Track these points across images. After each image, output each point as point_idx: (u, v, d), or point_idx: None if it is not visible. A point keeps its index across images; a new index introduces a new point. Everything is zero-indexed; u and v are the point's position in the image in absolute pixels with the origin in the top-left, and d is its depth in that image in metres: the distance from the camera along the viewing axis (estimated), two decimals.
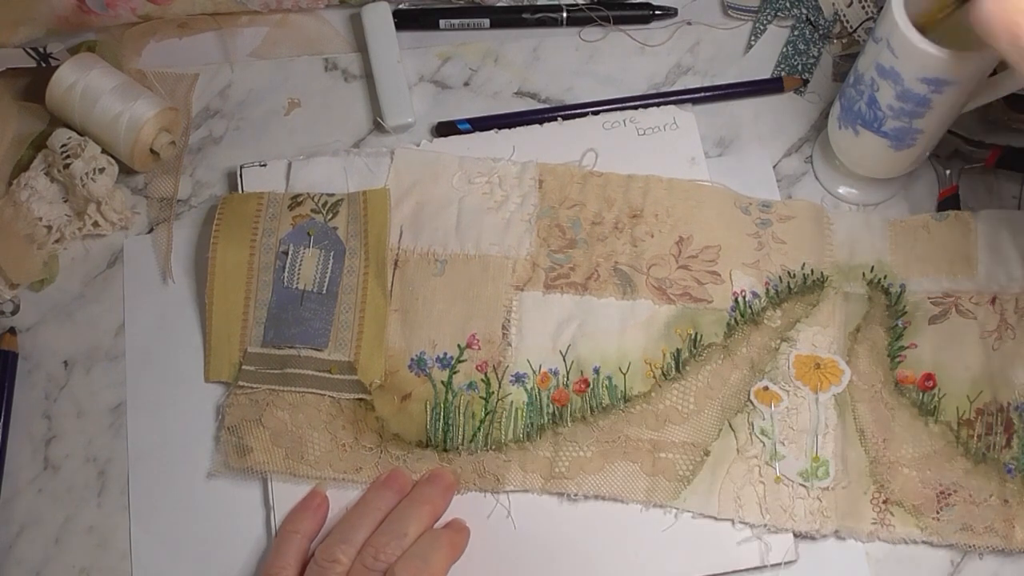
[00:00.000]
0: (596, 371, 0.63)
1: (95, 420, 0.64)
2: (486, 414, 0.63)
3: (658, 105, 0.72)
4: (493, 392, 0.63)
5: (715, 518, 0.60)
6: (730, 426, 0.62)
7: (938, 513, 0.61)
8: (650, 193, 0.68)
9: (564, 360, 0.64)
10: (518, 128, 0.71)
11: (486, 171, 0.68)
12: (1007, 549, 0.60)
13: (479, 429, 0.63)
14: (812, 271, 0.66)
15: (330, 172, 0.68)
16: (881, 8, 0.62)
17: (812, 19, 0.75)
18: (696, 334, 0.64)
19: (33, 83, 0.70)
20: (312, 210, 0.66)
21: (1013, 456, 0.62)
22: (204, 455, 0.63)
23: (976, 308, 0.65)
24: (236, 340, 0.64)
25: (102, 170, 0.67)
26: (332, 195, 0.67)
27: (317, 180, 0.68)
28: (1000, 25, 0.46)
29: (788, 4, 0.75)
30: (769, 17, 0.76)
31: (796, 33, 0.75)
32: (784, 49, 0.75)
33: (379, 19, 0.74)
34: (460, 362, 0.64)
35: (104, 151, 0.67)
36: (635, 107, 0.72)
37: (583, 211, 0.67)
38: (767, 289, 0.66)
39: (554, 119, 0.71)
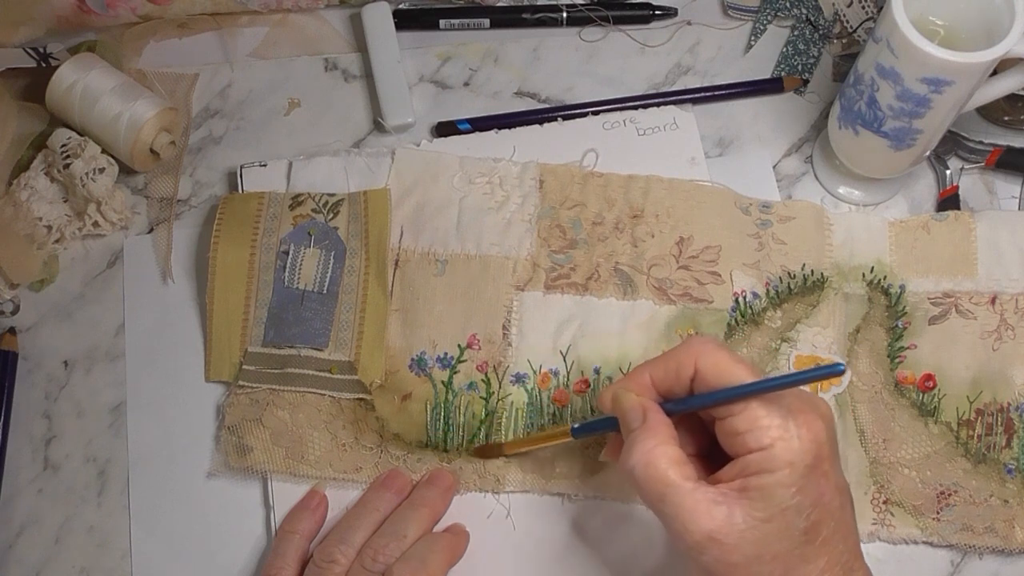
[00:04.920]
0: (597, 371, 0.63)
1: (95, 420, 0.64)
2: (486, 414, 0.63)
3: (658, 105, 0.72)
4: (493, 392, 0.63)
5: None
6: None
7: (938, 513, 0.61)
8: (651, 193, 0.68)
9: (564, 360, 0.64)
10: (518, 128, 0.71)
11: (487, 171, 0.68)
12: (1007, 549, 0.60)
13: (479, 429, 0.63)
14: (812, 272, 0.66)
15: (331, 172, 0.68)
16: (881, 8, 0.62)
17: (812, 19, 0.75)
18: (697, 334, 0.64)
19: (33, 83, 0.70)
20: (313, 210, 0.66)
21: (1013, 456, 0.62)
22: (204, 455, 0.63)
23: (976, 308, 0.65)
24: (236, 340, 0.64)
25: (102, 170, 0.67)
26: (333, 195, 0.67)
27: (318, 180, 0.68)
28: (646, 486, 0.48)
29: (788, 4, 0.75)
30: (769, 17, 0.76)
31: (796, 33, 0.75)
32: (784, 49, 0.75)
33: (379, 19, 0.74)
34: (460, 362, 0.64)
35: (104, 151, 0.67)
36: (635, 107, 0.72)
37: (584, 211, 0.67)
38: (767, 290, 0.66)
39: (554, 119, 0.71)
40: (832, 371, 0.46)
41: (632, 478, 0.49)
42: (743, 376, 0.48)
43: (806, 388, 0.51)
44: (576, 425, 0.56)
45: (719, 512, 0.46)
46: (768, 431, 0.47)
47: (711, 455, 0.50)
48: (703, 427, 0.52)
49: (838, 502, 0.48)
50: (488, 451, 0.61)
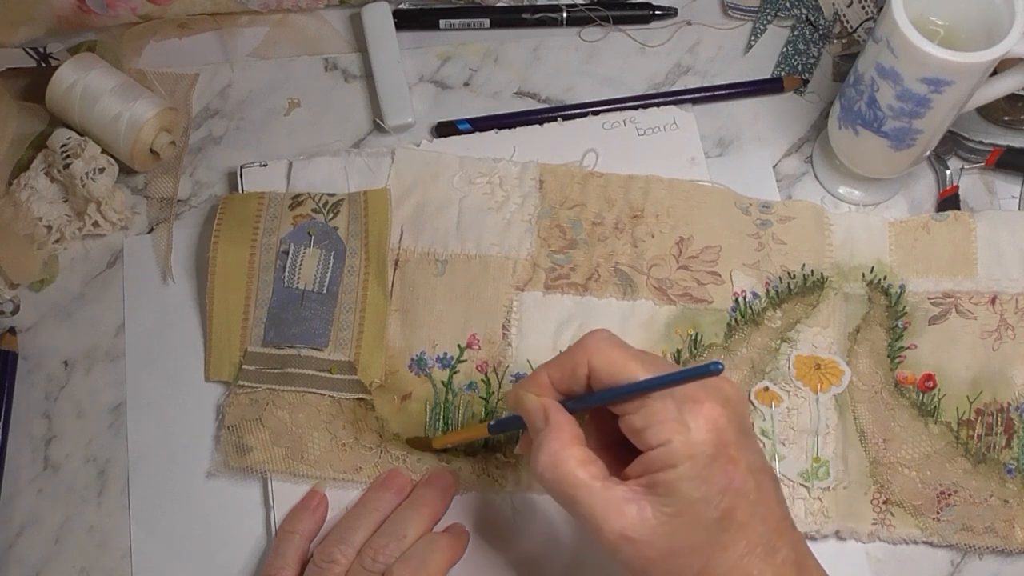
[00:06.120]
0: (445, 438, 0.63)
1: (95, 420, 0.64)
2: (486, 414, 0.63)
3: (658, 105, 0.72)
4: (493, 392, 0.63)
5: None
6: None
7: (938, 513, 0.61)
8: (651, 193, 0.68)
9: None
10: (518, 128, 0.71)
11: (487, 171, 0.68)
12: (1007, 549, 0.60)
13: None
14: (812, 272, 0.66)
15: (331, 172, 0.68)
16: (881, 8, 0.62)
17: (812, 19, 0.75)
18: (696, 334, 0.64)
19: (33, 83, 0.70)
20: (313, 210, 0.66)
21: (1013, 456, 0.62)
22: (204, 455, 0.63)
23: (976, 308, 0.65)
24: (236, 340, 0.64)
25: (102, 170, 0.67)
26: (333, 195, 0.67)
27: (318, 180, 0.68)
28: (555, 488, 0.48)
29: (788, 4, 0.75)
30: (769, 17, 0.76)
31: (796, 33, 0.75)
32: (784, 49, 0.75)
33: (379, 19, 0.74)
34: (460, 362, 0.64)
35: (104, 151, 0.67)
36: (635, 107, 0.72)
37: (584, 211, 0.67)
38: (767, 290, 0.66)
39: (554, 119, 0.71)
40: (708, 370, 0.45)
41: (542, 480, 0.48)
42: (636, 372, 0.47)
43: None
44: (492, 422, 0.56)
45: (629, 510, 0.46)
46: (664, 426, 0.46)
47: (627, 443, 0.49)
48: (615, 417, 0.50)
49: (752, 483, 0.47)
50: (419, 443, 0.62)
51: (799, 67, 0.74)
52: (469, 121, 0.71)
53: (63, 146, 0.67)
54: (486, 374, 0.64)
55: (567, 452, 0.48)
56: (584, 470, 0.47)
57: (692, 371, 0.46)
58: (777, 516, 0.48)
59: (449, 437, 0.61)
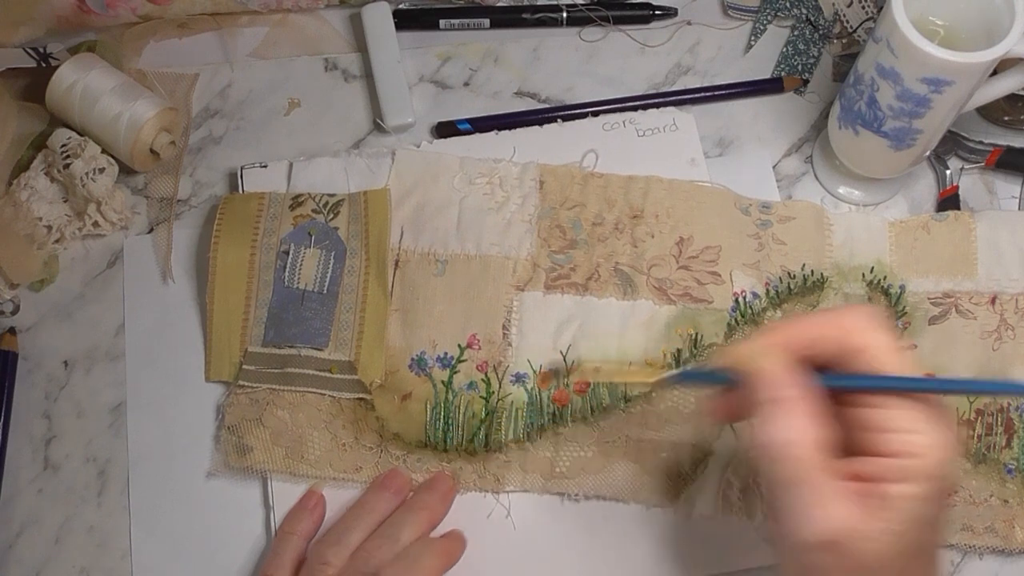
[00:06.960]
0: (596, 372, 0.63)
1: (95, 420, 0.64)
2: (486, 414, 0.63)
3: (658, 106, 0.72)
4: (493, 392, 0.63)
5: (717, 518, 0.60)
6: (731, 426, 0.62)
7: None
8: (650, 194, 0.68)
9: (565, 360, 0.64)
10: (518, 129, 0.71)
11: (487, 172, 0.68)
12: (1007, 549, 0.60)
13: (479, 429, 0.63)
14: (812, 272, 0.66)
15: (331, 172, 0.68)
16: (881, 8, 0.62)
17: (812, 19, 0.75)
18: (697, 334, 0.64)
19: (33, 83, 0.70)
20: (313, 210, 0.66)
21: (1013, 456, 0.62)
22: (204, 455, 0.63)
23: (976, 308, 0.65)
24: (237, 339, 0.64)
25: (102, 170, 0.67)
26: (333, 195, 0.67)
27: (318, 180, 0.68)
28: (778, 465, 0.43)
29: (788, 4, 0.76)
30: (769, 17, 0.76)
31: (796, 33, 0.75)
32: (784, 49, 0.75)
33: (379, 19, 0.74)
34: (460, 362, 0.64)
35: (104, 151, 0.67)
36: (635, 108, 0.72)
37: (584, 212, 0.67)
38: (767, 290, 0.66)
39: (554, 120, 0.71)
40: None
41: (764, 452, 0.43)
42: (904, 365, 0.43)
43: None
44: (677, 372, 0.51)
45: (851, 515, 0.41)
46: (918, 437, 0.42)
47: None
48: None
49: (945, 520, 0.45)
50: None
51: (799, 67, 0.74)
52: (469, 121, 0.71)
53: (63, 146, 0.67)
54: (486, 374, 0.64)
55: (811, 434, 0.42)
56: (820, 459, 0.42)
57: (1012, 386, 0.44)
58: (940, 558, 0.46)
59: (601, 374, 0.57)
